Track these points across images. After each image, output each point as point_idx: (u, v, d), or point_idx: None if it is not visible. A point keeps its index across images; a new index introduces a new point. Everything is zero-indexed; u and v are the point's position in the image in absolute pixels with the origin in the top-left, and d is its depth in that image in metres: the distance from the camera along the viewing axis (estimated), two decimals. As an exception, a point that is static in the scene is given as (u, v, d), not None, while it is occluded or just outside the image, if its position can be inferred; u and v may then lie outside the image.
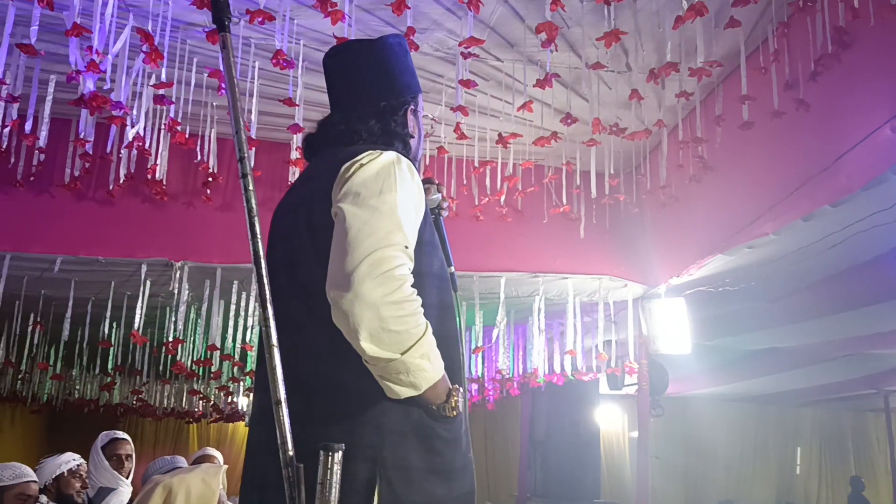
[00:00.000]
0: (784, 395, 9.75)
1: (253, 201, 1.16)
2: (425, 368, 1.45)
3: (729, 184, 4.29)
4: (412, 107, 1.80)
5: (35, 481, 3.41)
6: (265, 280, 1.16)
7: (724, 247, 4.33)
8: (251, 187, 1.17)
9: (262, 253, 1.11)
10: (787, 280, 5.01)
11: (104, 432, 4.19)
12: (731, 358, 7.96)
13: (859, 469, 10.93)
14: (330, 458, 1.13)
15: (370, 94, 1.77)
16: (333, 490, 1.16)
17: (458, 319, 1.70)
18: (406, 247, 1.49)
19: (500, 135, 4.19)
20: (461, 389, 1.54)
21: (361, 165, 1.55)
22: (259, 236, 1.14)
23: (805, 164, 3.61)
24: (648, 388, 5.65)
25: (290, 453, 1.11)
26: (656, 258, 5.20)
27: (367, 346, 1.40)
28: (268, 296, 1.17)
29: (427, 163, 4.91)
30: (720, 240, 4.36)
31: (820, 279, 5.07)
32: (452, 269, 1.82)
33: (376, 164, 1.55)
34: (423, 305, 1.51)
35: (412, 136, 1.80)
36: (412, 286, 1.47)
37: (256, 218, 1.14)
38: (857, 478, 10.05)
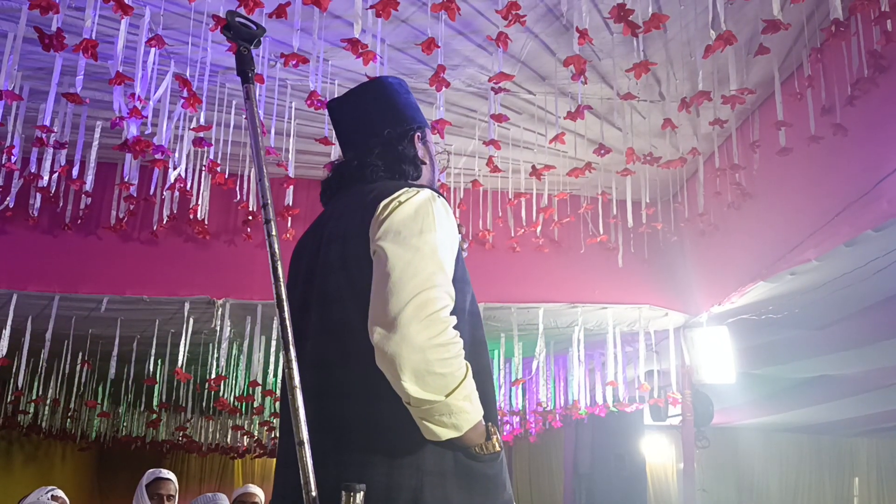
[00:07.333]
0: (838, 423, 9.43)
1: (276, 246, 1.19)
2: (467, 410, 1.45)
3: (769, 210, 4.22)
4: (419, 134, 1.81)
5: None
6: (287, 323, 1.18)
7: (765, 274, 4.25)
8: (274, 233, 1.20)
9: (284, 296, 1.13)
10: (832, 307, 4.88)
11: (150, 470, 4.20)
12: (779, 387, 7.75)
13: (920, 500, 10.51)
14: (351, 498, 1.14)
15: (374, 126, 1.78)
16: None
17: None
18: (448, 288, 1.49)
19: (533, 167, 4.21)
20: (496, 428, 1.53)
21: (400, 203, 1.54)
22: (282, 280, 1.16)
23: (846, 188, 3.55)
24: (693, 419, 5.54)
25: (314, 493, 1.11)
26: (697, 286, 5.12)
27: (412, 388, 1.40)
28: (290, 338, 1.18)
29: (462, 196, 4.94)
30: (762, 267, 4.28)
31: (867, 305, 4.93)
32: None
33: (414, 203, 1.55)
34: None
35: (423, 163, 1.81)
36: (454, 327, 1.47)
37: (279, 262, 1.17)
38: None
